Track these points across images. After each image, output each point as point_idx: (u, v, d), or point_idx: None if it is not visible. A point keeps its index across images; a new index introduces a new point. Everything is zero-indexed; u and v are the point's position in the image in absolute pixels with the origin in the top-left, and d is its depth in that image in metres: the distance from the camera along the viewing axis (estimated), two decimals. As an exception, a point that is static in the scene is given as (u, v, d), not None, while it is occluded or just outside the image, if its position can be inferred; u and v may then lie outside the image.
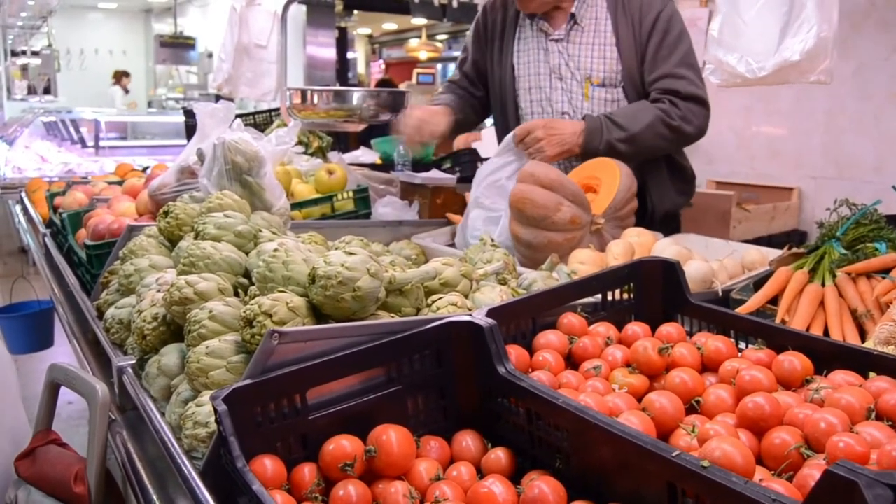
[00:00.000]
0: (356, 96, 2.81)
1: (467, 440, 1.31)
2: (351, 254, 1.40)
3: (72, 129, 8.72)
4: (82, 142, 8.49)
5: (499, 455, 1.26)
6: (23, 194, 4.43)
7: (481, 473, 1.25)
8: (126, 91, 15.69)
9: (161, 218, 2.00)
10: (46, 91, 13.23)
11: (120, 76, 15.58)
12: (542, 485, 1.13)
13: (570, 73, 2.67)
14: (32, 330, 4.21)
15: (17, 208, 4.42)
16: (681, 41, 2.56)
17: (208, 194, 2.05)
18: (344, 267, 1.36)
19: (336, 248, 1.69)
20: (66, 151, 7.81)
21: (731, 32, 1.96)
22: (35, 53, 14.14)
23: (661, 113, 2.51)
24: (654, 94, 2.57)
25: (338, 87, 3.01)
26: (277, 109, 4.20)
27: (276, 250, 1.50)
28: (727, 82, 2.02)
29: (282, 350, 1.22)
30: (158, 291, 1.69)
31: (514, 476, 1.21)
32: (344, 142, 5.08)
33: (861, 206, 1.95)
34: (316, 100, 2.82)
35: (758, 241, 3.30)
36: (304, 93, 2.87)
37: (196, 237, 1.79)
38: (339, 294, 1.35)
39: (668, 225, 2.67)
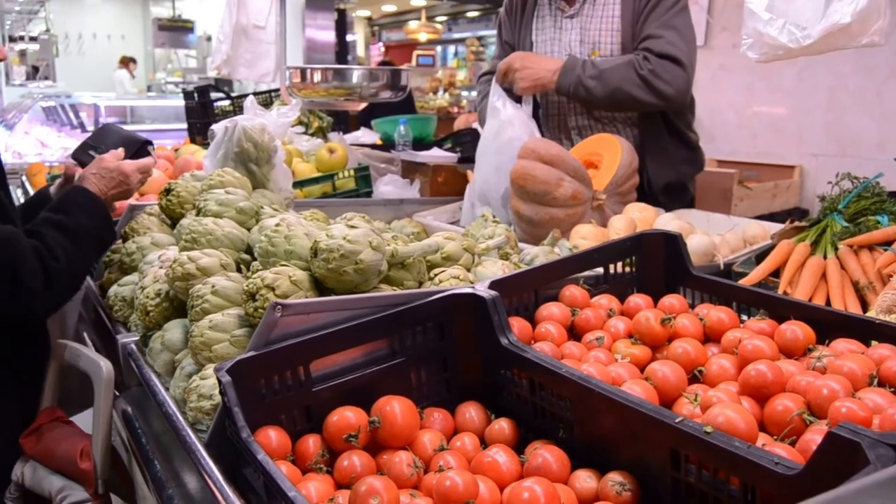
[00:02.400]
0: (356, 74, 2.80)
1: (470, 411, 1.31)
2: (353, 227, 1.40)
3: (71, 114, 8.68)
4: (82, 126, 8.44)
5: (502, 426, 1.26)
6: (24, 178, 4.43)
7: (485, 444, 1.25)
8: (133, 76, 15.64)
9: (162, 196, 2.01)
10: (45, 76, 13.18)
11: (127, 62, 15.52)
12: (545, 453, 1.13)
13: (580, 49, 2.68)
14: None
15: (19, 192, 4.43)
16: (671, 11, 2.55)
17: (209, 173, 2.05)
18: (346, 240, 1.36)
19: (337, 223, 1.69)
20: (65, 136, 7.77)
21: (773, 1, 1.89)
22: (33, 38, 14.08)
23: (633, 60, 2.51)
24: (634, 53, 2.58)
25: (337, 66, 2.99)
26: (277, 90, 4.18)
27: (277, 225, 1.50)
28: (768, 55, 1.94)
29: (285, 322, 1.22)
30: (161, 268, 1.69)
31: (518, 446, 1.22)
32: (344, 123, 5.06)
33: (863, 178, 1.94)
34: (316, 78, 2.82)
35: (759, 219, 3.29)
36: (303, 71, 2.86)
37: (198, 214, 1.79)
38: (342, 267, 1.36)
39: (675, 197, 2.66)
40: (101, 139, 2.21)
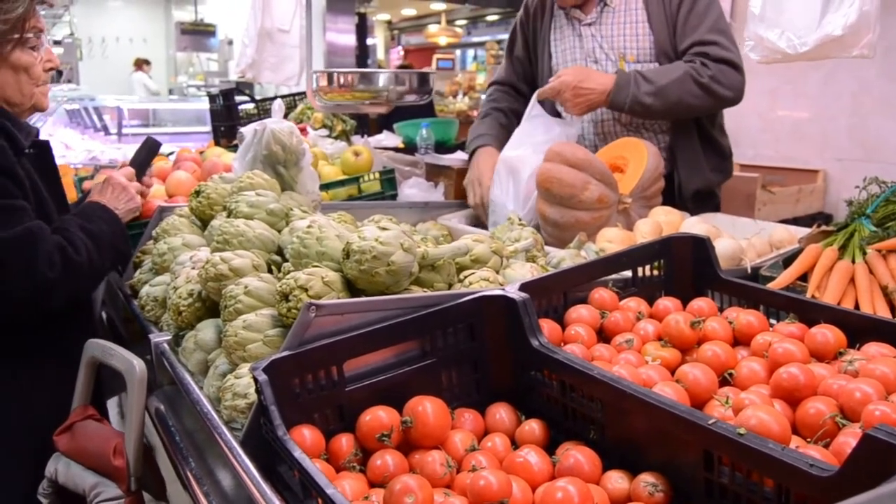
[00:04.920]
0: (382, 78, 2.82)
1: (501, 412, 1.32)
2: (384, 229, 1.42)
3: (94, 117, 8.77)
4: (105, 129, 8.53)
5: (533, 427, 1.27)
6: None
7: (515, 445, 1.26)
8: (150, 77, 15.77)
9: (192, 198, 2.03)
10: (68, 79, 13.31)
11: (141, 63, 15.66)
12: (577, 454, 1.14)
13: (604, 55, 2.68)
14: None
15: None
16: (710, 9, 2.55)
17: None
18: (378, 242, 1.38)
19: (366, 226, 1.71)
20: (89, 139, 7.86)
21: (773, 8, 1.93)
22: (57, 42, 14.22)
23: (690, 70, 2.49)
24: (686, 58, 2.57)
25: (364, 69, 3.02)
26: (301, 94, 4.21)
27: (309, 227, 1.51)
28: (767, 58, 1.99)
29: (319, 322, 1.24)
30: (193, 269, 1.71)
31: (548, 448, 1.23)
32: (365, 126, 5.09)
33: (891, 183, 1.94)
34: (342, 82, 2.84)
35: (783, 224, 3.27)
36: (330, 75, 2.88)
37: (228, 215, 1.81)
38: (374, 268, 1.37)
39: (703, 202, 2.65)
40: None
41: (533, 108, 2.58)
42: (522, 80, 3.03)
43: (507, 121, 2.97)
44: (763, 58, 1.98)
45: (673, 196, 2.58)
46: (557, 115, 2.69)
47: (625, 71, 2.54)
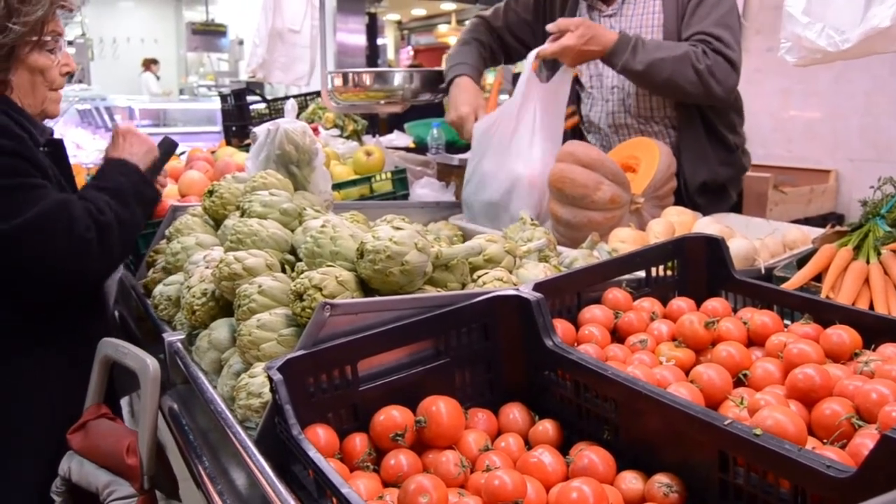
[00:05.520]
0: (397, 77, 2.83)
1: (514, 412, 1.32)
2: (398, 228, 1.42)
3: (106, 117, 8.81)
4: (116, 129, 8.57)
5: (546, 427, 1.27)
6: (62, 179, 4.49)
7: (529, 445, 1.26)
8: (157, 77, 15.81)
9: (205, 197, 2.04)
10: (80, 80, 13.36)
11: (149, 63, 15.71)
12: (591, 454, 1.14)
13: None
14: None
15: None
16: (721, 3, 2.54)
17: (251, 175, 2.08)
18: (392, 241, 1.38)
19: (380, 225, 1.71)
20: (100, 139, 7.89)
21: (811, 5, 1.87)
22: (69, 43, 14.27)
23: (691, 52, 2.46)
24: (690, 43, 2.53)
25: (379, 69, 3.03)
26: (312, 94, 4.22)
27: (323, 226, 1.52)
28: (806, 59, 1.92)
29: (333, 322, 1.24)
30: (207, 268, 1.72)
31: (562, 448, 1.22)
32: (375, 126, 5.09)
33: (906, 183, 1.93)
34: (357, 81, 2.84)
35: (795, 224, 3.25)
36: (345, 75, 2.89)
37: (242, 215, 1.82)
38: (388, 268, 1.37)
39: (711, 198, 2.65)
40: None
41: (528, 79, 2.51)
42: (510, 34, 2.99)
43: (487, 53, 2.98)
44: (801, 59, 1.91)
45: (680, 190, 2.57)
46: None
47: (628, 35, 2.51)
